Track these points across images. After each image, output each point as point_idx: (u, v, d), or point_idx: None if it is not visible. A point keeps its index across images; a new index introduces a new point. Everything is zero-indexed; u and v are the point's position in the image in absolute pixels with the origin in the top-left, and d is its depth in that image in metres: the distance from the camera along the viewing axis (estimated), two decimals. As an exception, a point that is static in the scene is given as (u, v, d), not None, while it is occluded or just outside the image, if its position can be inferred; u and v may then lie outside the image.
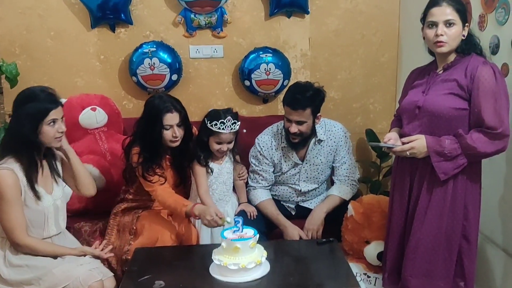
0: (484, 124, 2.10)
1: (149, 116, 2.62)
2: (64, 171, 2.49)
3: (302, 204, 3.05)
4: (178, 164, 2.76)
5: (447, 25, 2.15)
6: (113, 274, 2.44)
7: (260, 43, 3.49)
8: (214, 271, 2.21)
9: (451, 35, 2.16)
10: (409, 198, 2.34)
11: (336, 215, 2.84)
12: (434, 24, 2.17)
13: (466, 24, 2.19)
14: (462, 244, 2.26)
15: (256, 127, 3.16)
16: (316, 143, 2.91)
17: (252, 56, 3.42)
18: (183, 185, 2.86)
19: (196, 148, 2.73)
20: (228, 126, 2.64)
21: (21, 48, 3.38)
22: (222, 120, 2.62)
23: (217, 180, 2.81)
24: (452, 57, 2.23)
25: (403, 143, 2.24)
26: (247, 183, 3.01)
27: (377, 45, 3.60)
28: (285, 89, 3.13)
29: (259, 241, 2.25)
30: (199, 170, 2.72)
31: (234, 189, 2.98)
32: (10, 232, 2.23)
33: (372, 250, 2.67)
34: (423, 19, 2.25)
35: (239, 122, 2.70)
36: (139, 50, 3.34)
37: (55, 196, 2.37)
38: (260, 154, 2.94)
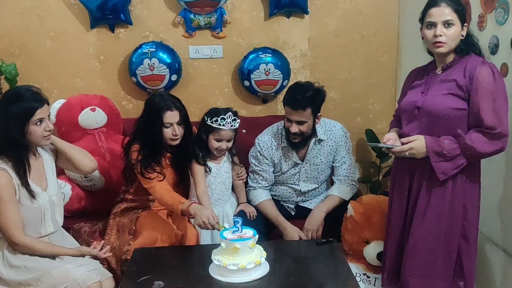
0: (483, 124, 2.10)
1: (150, 114, 2.62)
2: (57, 158, 2.48)
3: (301, 204, 3.05)
4: (178, 163, 2.76)
5: (446, 25, 2.15)
6: (112, 275, 2.44)
7: (260, 43, 3.49)
8: (213, 272, 2.21)
9: (450, 36, 2.15)
10: (409, 198, 2.34)
11: (335, 215, 2.84)
12: (432, 25, 2.17)
13: (465, 24, 2.19)
14: (461, 244, 2.26)
15: (255, 127, 3.16)
16: (316, 143, 2.91)
17: (251, 56, 3.42)
18: (183, 185, 2.85)
19: (195, 147, 2.73)
20: (228, 123, 2.65)
21: (21, 48, 3.38)
22: (223, 116, 2.64)
23: (216, 179, 2.81)
24: (451, 57, 2.23)
25: (403, 144, 2.24)
26: (246, 183, 3.01)
27: (377, 45, 3.60)
28: (285, 89, 3.14)
29: (258, 242, 2.25)
30: (198, 169, 2.73)
31: (233, 189, 2.98)
32: (6, 232, 2.23)
33: (372, 250, 2.67)
34: (422, 19, 2.24)
35: (239, 120, 2.71)
36: (139, 50, 3.34)
37: (50, 192, 2.37)
38: (260, 154, 2.94)
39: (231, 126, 2.68)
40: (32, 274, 2.24)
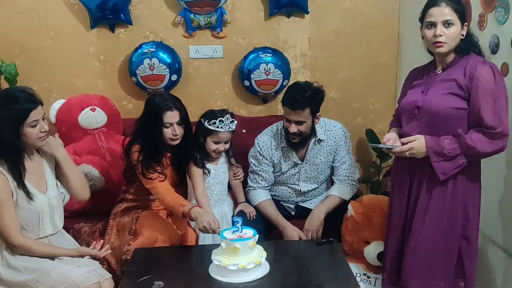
0: (483, 123, 2.10)
1: (150, 114, 2.62)
2: (57, 171, 2.47)
3: (301, 204, 3.04)
4: (178, 163, 2.76)
5: (446, 25, 2.15)
6: (111, 276, 2.43)
7: (260, 43, 3.49)
8: (213, 272, 2.21)
9: (449, 35, 2.15)
10: (409, 198, 2.34)
11: (336, 215, 2.84)
12: (432, 25, 2.17)
13: (465, 24, 2.19)
14: (462, 244, 2.26)
15: (255, 127, 3.16)
16: (316, 143, 2.90)
17: (251, 56, 3.42)
18: (183, 185, 2.85)
19: (193, 149, 2.73)
20: (226, 125, 2.65)
21: (21, 48, 3.38)
22: (221, 119, 2.63)
23: (215, 180, 2.80)
24: (451, 57, 2.23)
25: (403, 144, 2.24)
26: (245, 182, 3.00)
27: (377, 44, 3.60)
28: (285, 89, 3.13)
29: (258, 242, 2.25)
30: (196, 171, 2.72)
31: (228, 189, 2.97)
32: (4, 233, 2.22)
33: (372, 250, 2.67)
34: (422, 19, 2.24)
35: (236, 122, 2.71)
36: (139, 50, 3.34)
37: (50, 195, 2.36)
38: (260, 154, 2.93)
39: (229, 128, 2.68)
40: (31, 275, 2.24)
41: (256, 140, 2.97)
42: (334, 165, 2.98)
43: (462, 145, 2.12)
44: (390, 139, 2.31)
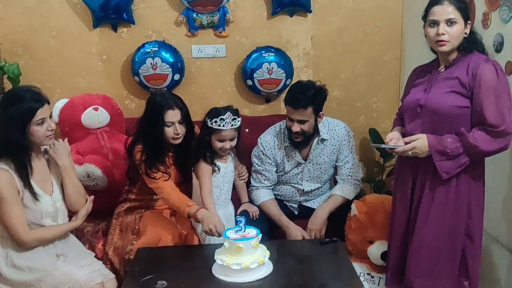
0: (486, 122, 2.09)
1: (151, 113, 2.61)
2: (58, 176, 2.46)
3: (305, 203, 3.03)
4: (180, 162, 2.75)
5: (449, 23, 2.14)
6: (114, 276, 2.44)
7: (263, 42, 3.48)
8: (216, 271, 2.20)
9: (452, 34, 2.14)
10: (412, 197, 2.33)
11: (339, 215, 2.83)
12: (435, 23, 2.16)
13: (468, 22, 2.18)
14: (466, 243, 2.25)
15: (258, 127, 3.15)
16: (319, 142, 2.90)
17: (254, 55, 3.41)
18: (186, 184, 2.84)
19: (200, 147, 2.71)
20: (228, 123, 2.61)
21: (23, 48, 3.39)
22: (222, 117, 2.60)
23: (224, 179, 2.77)
24: (454, 55, 2.22)
25: (405, 143, 2.23)
26: (248, 182, 3.00)
27: (380, 43, 3.59)
28: (288, 88, 3.12)
29: (261, 241, 2.24)
30: (205, 169, 2.68)
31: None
32: (13, 231, 2.22)
33: (376, 250, 2.66)
34: (425, 17, 2.23)
35: (239, 118, 2.66)
36: (141, 49, 3.34)
37: (55, 197, 2.36)
38: (263, 154, 2.93)
39: (232, 125, 2.64)
40: (34, 275, 2.24)
41: (259, 139, 2.97)
42: (337, 164, 2.97)
43: (464, 144, 2.11)
44: (393, 139, 2.30)
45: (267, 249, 2.25)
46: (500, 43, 2.46)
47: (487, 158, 2.24)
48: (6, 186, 2.18)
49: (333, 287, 2.17)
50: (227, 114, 2.61)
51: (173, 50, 3.38)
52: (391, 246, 2.47)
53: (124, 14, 3.32)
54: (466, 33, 2.18)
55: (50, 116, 2.29)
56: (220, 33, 3.45)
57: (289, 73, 3.44)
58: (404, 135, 2.32)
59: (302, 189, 2.97)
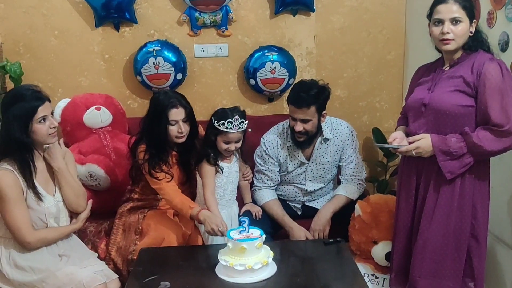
0: (491, 121, 2.07)
1: (155, 112, 2.61)
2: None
3: (308, 203, 3.02)
4: (184, 161, 2.75)
5: (454, 22, 2.13)
6: (117, 276, 2.43)
7: (265, 42, 3.47)
8: (220, 272, 2.19)
9: (457, 33, 2.13)
10: (416, 197, 2.32)
11: (343, 215, 2.82)
12: (440, 22, 2.15)
13: (474, 21, 2.17)
14: (471, 243, 2.24)
15: (261, 126, 3.13)
16: (322, 141, 2.88)
17: (257, 54, 3.40)
18: (190, 184, 2.84)
19: (205, 147, 2.70)
20: (236, 126, 2.60)
21: (25, 47, 3.38)
22: (230, 120, 2.59)
23: (228, 180, 2.77)
24: (458, 54, 2.21)
25: (409, 143, 2.21)
26: (252, 182, 2.99)
27: (383, 42, 3.58)
28: (290, 88, 3.11)
29: (265, 242, 2.23)
30: (208, 170, 2.67)
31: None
32: (17, 231, 2.21)
33: (380, 250, 2.65)
34: (430, 15, 2.22)
35: (246, 121, 2.66)
36: (144, 49, 3.33)
37: (58, 198, 2.36)
38: (266, 154, 2.92)
39: (239, 128, 2.62)
40: (37, 276, 2.23)
41: (262, 139, 2.96)
42: (340, 164, 2.96)
43: (469, 144, 2.10)
44: (396, 138, 2.29)
45: (271, 249, 2.24)
46: (505, 42, 2.44)
47: (492, 158, 2.22)
48: (11, 187, 2.18)
49: (337, 288, 2.17)
50: (235, 117, 2.59)
51: (175, 50, 3.37)
52: (395, 247, 2.46)
53: (127, 13, 3.31)
54: (471, 32, 2.16)
55: (52, 114, 2.29)
56: (223, 32, 3.44)
57: (292, 72, 3.43)
58: (408, 134, 2.31)
59: (305, 189, 2.96)
